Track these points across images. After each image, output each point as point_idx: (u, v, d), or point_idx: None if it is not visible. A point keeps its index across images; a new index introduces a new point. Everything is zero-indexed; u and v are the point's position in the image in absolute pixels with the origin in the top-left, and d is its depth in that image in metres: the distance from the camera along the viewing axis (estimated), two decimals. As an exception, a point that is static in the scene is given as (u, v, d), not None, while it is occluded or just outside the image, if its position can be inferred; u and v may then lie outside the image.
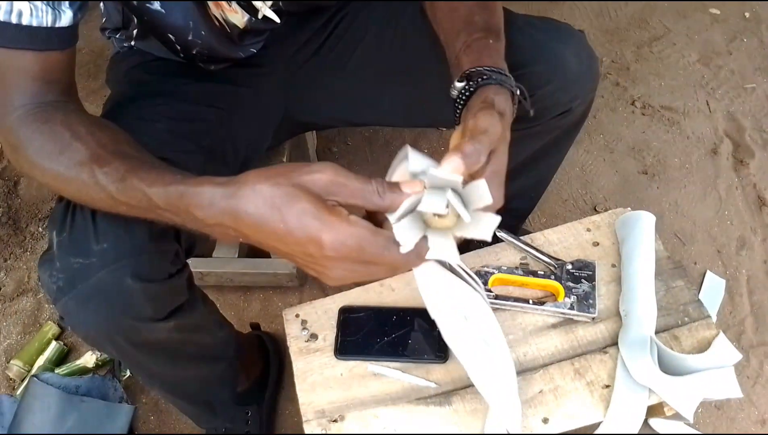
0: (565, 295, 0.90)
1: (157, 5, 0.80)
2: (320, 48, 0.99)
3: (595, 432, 0.83)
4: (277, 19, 0.87)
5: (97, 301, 0.68)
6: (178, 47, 0.87)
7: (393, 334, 0.90)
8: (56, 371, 1.28)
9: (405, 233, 0.56)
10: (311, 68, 1.00)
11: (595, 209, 1.50)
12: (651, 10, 1.91)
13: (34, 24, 0.64)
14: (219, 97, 0.92)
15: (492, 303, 0.91)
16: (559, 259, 0.94)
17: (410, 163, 0.58)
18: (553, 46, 0.86)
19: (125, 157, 0.64)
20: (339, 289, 0.98)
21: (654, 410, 0.86)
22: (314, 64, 1.00)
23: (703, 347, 0.86)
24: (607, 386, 0.84)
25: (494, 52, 0.74)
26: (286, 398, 1.25)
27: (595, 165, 1.58)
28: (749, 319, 1.32)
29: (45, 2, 0.64)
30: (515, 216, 1.24)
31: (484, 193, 0.57)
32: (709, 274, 1.37)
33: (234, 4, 0.84)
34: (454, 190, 0.58)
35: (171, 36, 0.85)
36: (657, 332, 0.87)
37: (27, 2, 0.63)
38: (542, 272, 0.93)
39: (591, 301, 0.89)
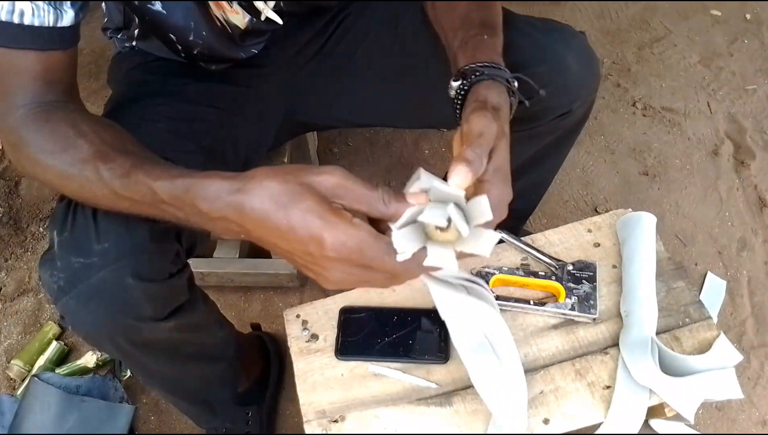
0: (566, 296, 0.90)
1: (158, 6, 0.80)
2: (321, 49, 0.99)
3: (596, 433, 0.82)
4: (279, 21, 0.87)
5: (98, 300, 0.68)
6: (180, 47, 0.87)
7: (394, 335, 0.90)
8: (57, 371, 1.28)
9: (403, 242, 0.56)
10: (312, 69, 1.00)
11: (596, 210, 1.50)
12: (652, 12, 1.91)
13: (36, 24, 0.64)
14: (220, 98, 0.92)
15: (493, 303, 0.91)
16: (560, 260, 0.94)
17: (421, 180, 0.59)
18: (554, 48, 0.86)
19: (129, 154, 0.64)
20: (337, 291, 0.99)
21: (655, 411, 0.86)
22: (315, 65, 1.00)
23: (704, 348, 0.86)
24: (608, 387, 0.84)
25: (488, 48, 0.74)
26: (287, 398, 1.25)
27: (596, 166, 1.58)
28: (750, 320, 1.32)
29: (47, 2, 0.64)
30: (516, 217, 1.24)
31: (485, 209, 0.58)
32: (709, 275, 1.37)
33: (235, 5, 0.84)
34: (457, 205, 0.58)
35: (172, 36, 0.85)
36: (658, 333, 0.86)
37: (29, 2, 0.63)
38: (543, 273, 0.93)
39: (592, 302, 0.89)
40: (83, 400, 1.20)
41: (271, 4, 0.86)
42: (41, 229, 1.54)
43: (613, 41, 1.84)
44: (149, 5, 0.80)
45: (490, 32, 0.76)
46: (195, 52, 0.88)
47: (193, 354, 0.89)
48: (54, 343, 1.32)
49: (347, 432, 0.83)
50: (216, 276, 1.32)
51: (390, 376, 0.87)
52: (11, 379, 1.31)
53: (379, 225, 0.58)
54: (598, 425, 0.82)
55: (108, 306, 0.69)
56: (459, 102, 0.72)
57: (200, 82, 0.92)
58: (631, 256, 0.92)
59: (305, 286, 1.38)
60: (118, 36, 0.97)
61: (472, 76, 0.70)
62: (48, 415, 1.17)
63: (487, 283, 0.92)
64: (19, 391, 1.26)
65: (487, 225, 0.59)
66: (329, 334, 0.92)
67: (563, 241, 0.98)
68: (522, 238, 0.98)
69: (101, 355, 1.29)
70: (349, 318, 0.92)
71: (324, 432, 0.83)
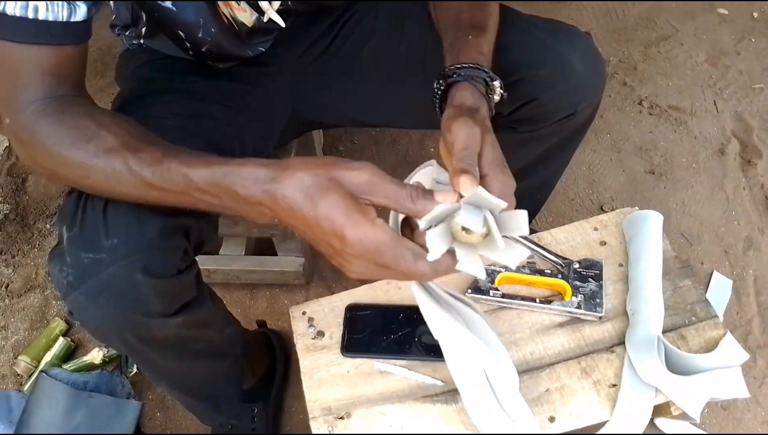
0: (572, 294, 0.90)
1: (168, 3, 0.81)
2: (328, 48, 0.99)
3: (602, 431, 0.83)
4: (282, 23, 0.88)
5: (107, 296, 0.69)
6: (188, 44, 0.87)
7: (399, 332, 0.90)
8: (63, 367, 1.28)
9: (436, 241, 0.57)
10: (319, 68, 1.00)
11: (602, 209, 1.50)
12: (658, 10, 1.90)
13: (50, 19, 0.65)
14: (227, 96, 0.93)
15: (499, 302, 0.91)
16: (566, 258, 0.94)
17: (435, 171, 0.62)
18: (558, 49, 0.86)
19: (156, 143, 0.65)
20: (345, 287, 0.99)
21: (660, 410, 0.86)
22: (322, 64, 1.00)
23: (710, 347, 0.86)
24: (614, 385, 0.84)
25: (471, 48, 0.75)
26: (292, 395, 1.25)
27: (602, 164, 1.58)
28: (756, 319, 1.31)
29: None
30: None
31: (523, 224, 0.59)
32: (716, 274, 1.37)
33: (243, 3, 0.85)
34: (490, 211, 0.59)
35: (181, 33, 0.85)
36: (664, 332, 0.86)
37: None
38: (549, 271, 0.93)
39: (598, 300, 0.89)
40: (91, 396, 1.20)
41: (276, 4, 0.86)
42: (48, 225, 1.54)
43: (619, 40, 1.84)
44: (159, 2, 0.80)
45: (476, 32, 0.77)
46: (203, 50, 0.88)
47: (200, 350, 0.89)
48: (61, 340, 1.32)
49: (353, 429, 0.84)
50: (222, 273, 1.32)
51: (396, 373, 0.87)
52: (18, 374, 1.32)
53: (411, 223, 0.60)
54: (603, 423, 0.83)
55: (117, 302, 0.69)
56: (437, 102, 0.75)
57: (208, 80, 0.92)
58: (637, 255, 0.92)
59: (311, 284, 1.39)
60: (126, 33, 0.98)
61: (449, 78, 0.73)
62: (56, 410, 1.17)
63: (493, 281, 0.92)
64: (27, 387, 1.27)
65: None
66: (335, 331, 0.92)
67: (569, 239, 0.98)
68: (528, 237, 0.98)
69: (108, 352, 1.29)
70: (355, 315, 0.93)
71: (330, 429, 0.84)
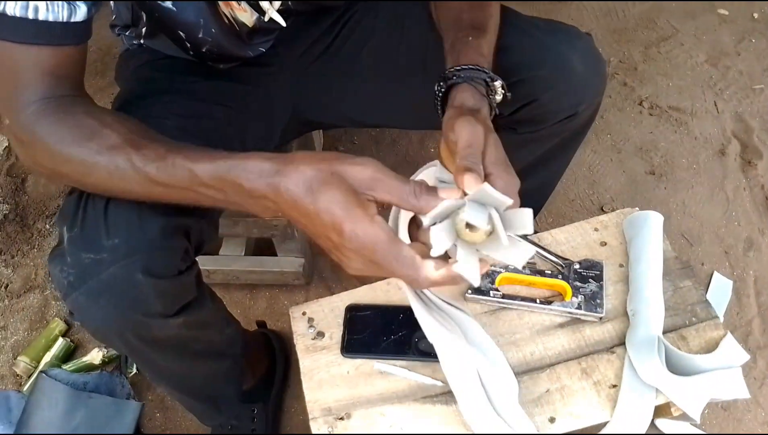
0: (573, 295, 0.90)
1: (168, 3, 0.81)
2: (328, 48, 0.99)
3: (602, 432, 0.82)
4: (282, 23, 0.87)
5: (108, 296, 0.69)
6: (188, 45, 0.87)
7: (399, 333, 0.90)
8: (63, 368, 1.28)
9: (440, 236, 0.57)
10: (319, 68, 1.00)
11: (602, 209, 1.50)
12: (659, 11, 1.90)
13: (50, 19, 0.65)
14: (228, 96, 0.93)
15: (499, 302, 0.91)
16: (566, 259, 0.94)
17: (439, 171, 0.62)
18: (559, 50, 0.86)
19: (159, 140, 0.65)
20: (345, 287, 0.99)
21: (661, 410, 0.86)
22: (322, 65, 1.00)
23: (710, 348, 0.86)
24: (614, 386, 0.84)
25: (472, 49, 0.75)
26: (292, 396, 1.25)
27: (603, 165, 1.58)
28: (756, 320, 1.31)
29: None
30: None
31: (528, 222, 0.59)
32: (716, 275, 1.37)
33: (243, 3, 0.85)
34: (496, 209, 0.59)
35: (181, 33, 0.85)
36: (664, 332, 0.86)
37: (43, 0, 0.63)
38: (550, 271, 0.93)
39: (598, 301, 0.89)
40: (91, 396, 1.20)
41: (277, 4, 0.86)
42: (47, 226, 1.54)
43: (619, 40, 1.84)
44: (159, 2, 0.80)
45: (476, 33, 0.77)
46: (203, 50, 0.88)
47: (201, 351, 0.89)
48: (60, 340, 1.32)
49: (353, 430, 0.83)
50: (222, 273, 1.32)
51: (395, 373, 0.87)
52: (18, 375, 1.31)
53: (417, 220, 0.60)
54: (604, 424, 0.82)
55: (118, 302, 0.69)
56: (438, 104, 0.75)
57: (208, 80, 0.92)
58: (637, 255, 0.92)
59: (311, 284, 1.39)
60: (126, 33, 0.98)
61: (449, 80, 0.73)
62: (56, 411, 1.17)
63: (493, 281, 0.92)
64: (26, 387, 1.27)
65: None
66: (335, 331, 0.92)
67: (570, 239, 0.98)
68: (529, 237, 0.98)
69: (107, 352, 1.29)
70: (355, 316, 0.93)
71: (330, 429, 0.84)
